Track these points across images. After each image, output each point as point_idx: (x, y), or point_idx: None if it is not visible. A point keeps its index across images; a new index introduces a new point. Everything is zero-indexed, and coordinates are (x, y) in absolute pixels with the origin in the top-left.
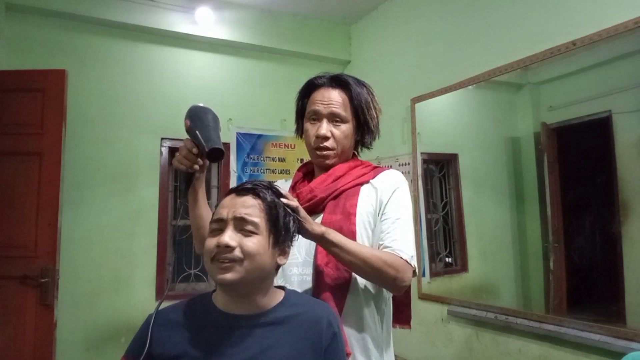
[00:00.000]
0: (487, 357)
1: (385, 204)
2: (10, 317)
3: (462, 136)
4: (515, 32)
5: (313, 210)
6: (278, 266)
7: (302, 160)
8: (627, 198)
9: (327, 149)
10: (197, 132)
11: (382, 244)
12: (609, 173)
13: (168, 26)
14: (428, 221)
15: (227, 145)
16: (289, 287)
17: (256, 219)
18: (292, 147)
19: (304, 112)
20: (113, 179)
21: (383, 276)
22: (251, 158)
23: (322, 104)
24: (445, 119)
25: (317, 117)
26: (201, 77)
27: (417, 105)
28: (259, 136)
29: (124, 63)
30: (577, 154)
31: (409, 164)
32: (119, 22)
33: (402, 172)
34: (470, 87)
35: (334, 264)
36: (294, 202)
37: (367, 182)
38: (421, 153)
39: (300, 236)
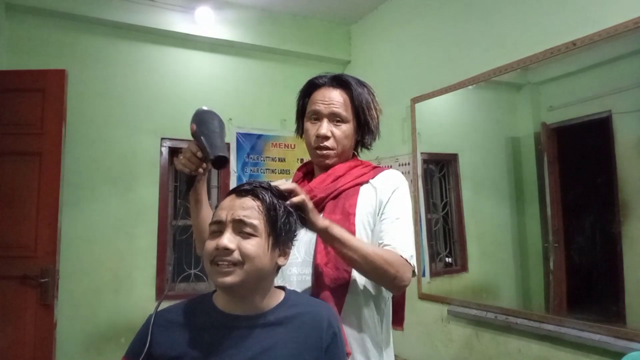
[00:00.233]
0: (487, 357)
1: (385, 204)
2: (10, 317)
3: (462, 136)
4: (515, 32)
5: None
6: (278, 267)
7: (302, 160)
8: (627, 198)
9: (327, 148)
10: (202, 137)
11: (381, 243)
12: (608, 173)
13: (168, 26)
14: (428, 221)
15: (227, 145)
16: (288, 287)
17: (255, 221)
18: (292, 147)
19: (304, 112)
20: (113, 179)
21: (383, 274)
22: (251, 158)
23: (323, 103)
24: (445, 119)
25: (317, 116)
26: (201, 77)
27: (417, 105)
28: (259, 136)
29: (124, 63)
30: (577, 154)
31: (409, 164)
32: (119, 22)
33: (402, 172)
34: (470, 87)
35: (334, 263)
36: (301, 195)
37: (367, 182)
38: (421, 153)
39: (299, 236)
